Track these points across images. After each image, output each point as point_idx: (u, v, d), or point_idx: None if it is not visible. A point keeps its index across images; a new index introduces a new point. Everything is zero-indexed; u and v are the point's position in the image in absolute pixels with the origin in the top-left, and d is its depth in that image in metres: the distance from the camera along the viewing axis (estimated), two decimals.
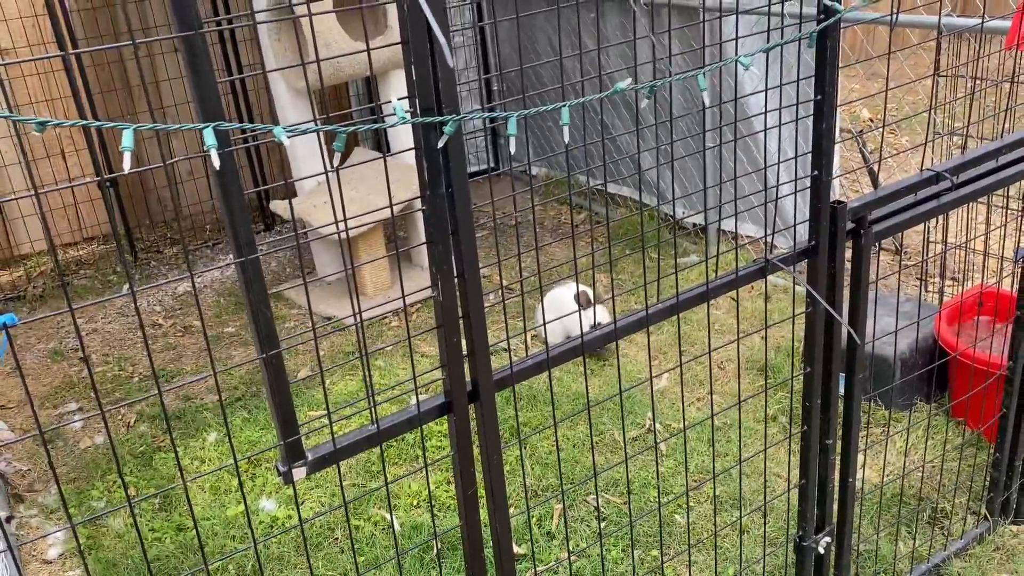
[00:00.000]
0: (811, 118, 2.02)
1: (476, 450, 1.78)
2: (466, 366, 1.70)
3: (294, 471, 1.57)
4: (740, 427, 2.64)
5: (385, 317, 5.20)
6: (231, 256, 6.24)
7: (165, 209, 6.70)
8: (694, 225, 5.54)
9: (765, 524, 2.70)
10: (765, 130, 2.50)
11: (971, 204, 4.10)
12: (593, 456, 2.06)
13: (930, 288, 4.61)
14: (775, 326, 4.58)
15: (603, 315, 4.43)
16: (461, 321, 1.66)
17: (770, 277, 5.00)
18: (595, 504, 3.52)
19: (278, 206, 5.33)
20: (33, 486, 3.96)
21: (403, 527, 3.49)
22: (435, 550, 3.33)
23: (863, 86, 8.18)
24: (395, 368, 4.59)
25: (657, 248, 4.83)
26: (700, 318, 4.59)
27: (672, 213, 4.93)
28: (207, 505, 3.70)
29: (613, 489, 3.59)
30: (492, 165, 7.04)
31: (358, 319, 1.57)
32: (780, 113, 2.07)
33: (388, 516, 3.56)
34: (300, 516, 1.57)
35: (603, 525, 3.41)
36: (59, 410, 4.55)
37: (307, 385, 4.55)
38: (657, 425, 3.91)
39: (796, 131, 2.18)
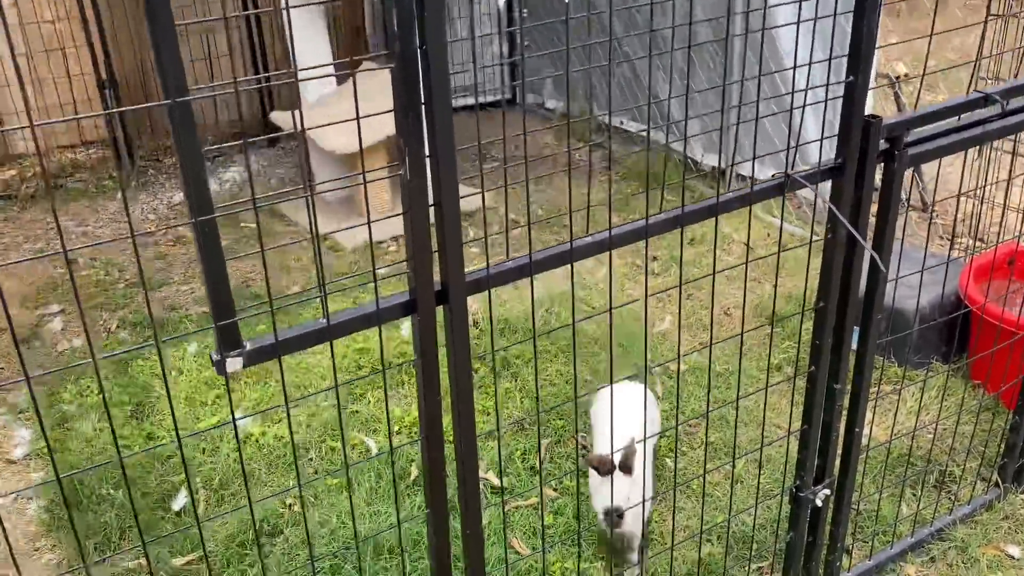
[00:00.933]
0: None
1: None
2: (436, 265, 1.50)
3: (228, 361, 1.38)
4: (740, 370, 2.44)
5: (383, 242, 5.01)
6: (232, 168, 6.03)
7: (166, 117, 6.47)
8: (713, 168, 5.29)
9: (760, 473, 2.53)
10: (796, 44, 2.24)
11: (993, 154, 3.83)
12: (575, 389, 1.87)
13: (956, 246, 4.37)
14: (787, 276, 4.37)
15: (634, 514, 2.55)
16: (431, 210, 1.46)
17: (785, 225, 4.76)
18: (584, 443, 3.35)
19: (279, 117, 5.10)
20: (3, 385, 3.81)
21: (381, 450, 3.33)
22: (411, 476, 3.17)
23: (903, 40, 7.81)
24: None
25: (663, 187, 4.59)
26: (708, 262, 4.37)
27: (685, 153, 4.68)
28: (180, 417, 3.55)
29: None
30: (508, 96, 6.78)
31: (309, 202, 1.37)
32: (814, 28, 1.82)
33: (367, 440, 3.41)
34: (233, 413, 1.38)
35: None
36: (40, 311, 4.40)
37: (301, 307, 4.36)
38: (655, 368, 3.72)
39: (832, 40, 1.93)
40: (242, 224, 5.19)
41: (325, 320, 1.46)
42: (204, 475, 3.23)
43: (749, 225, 2.12)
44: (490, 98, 6.70)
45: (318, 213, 5.58)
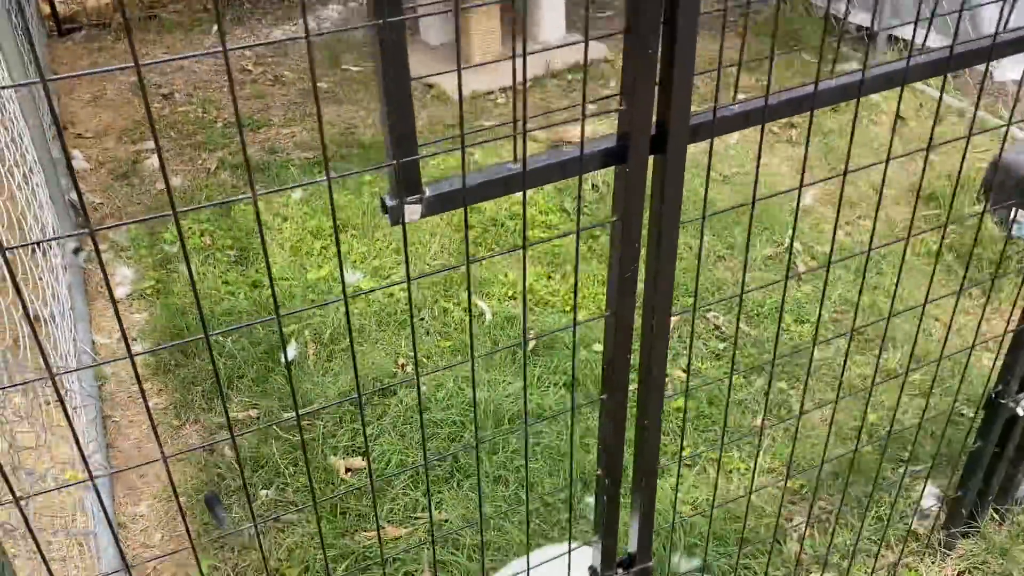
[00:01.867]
0: None
1: None
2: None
3: (406, 208, 1.12)
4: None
5: (491, 92, 4.66)
6: (331, 4, 5.68)
7: None
8: (859, 28, 4.75)
9: (937, 373, 2.23)
10: None
11: None
12: (698, 267, 1.57)
13: None
14: (943, 153, 3.92)
15: None
16: (661, 28, 1.14)
17: (946, 97, 4.26)
18: (714, 322, 3.09)
19: None
20: (104, 222, 3.68)
21: (495, 317, 3.12)
22: (530, 345, 2.96)
23: None
24: (500, 154, 4.09)
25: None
26: (854, 132, 3.95)
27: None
28: (286, 265, 3.38)
29: (737, 309, 3.13)
30: None
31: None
32: None
33: (480, 303, 3.20)
34: (408, 271, 1.13)
35: (722, 346, 2.99)
36: (137, 146, 4.23)
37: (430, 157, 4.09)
38: (797, 245, 3.39)
39: None
40: (343, 67, 4.88)
41: (518, 164, 1.18)
42: (313, 328, 3.07)
43: (899, 104, 1.74)
44: None
45: (419, 57, 5.22)
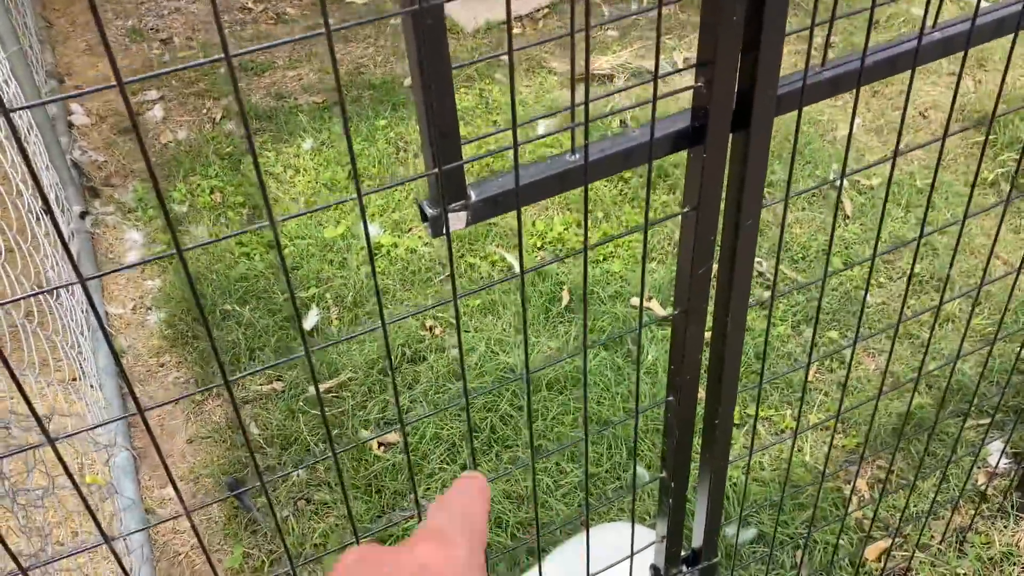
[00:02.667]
0: None
1: None
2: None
3: (451, 217, 0.95)
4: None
5: (505, 23, 4.40)
6: None
7: None
8: None
9: (973, 313, 2.06)
10: None
11: None
12: (779, 249, 1.39)
13: None
14: (995, 71, 3.66)
15: None
16: None
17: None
18: (757, 268, 2.91)
19: None
20: (110, 180, 3.51)
21: (526, 269, 2.95)
22: (563, 302, 2.81)
23: None
24: (518, 90, 3.86)
25: None
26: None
27: None
28: (302, 223, 3.21)
29: (783, 255, 2.95)
30: None
31: None
32: None
33: (508, 256, 3.03)
34: (453, 268, 0.97)
35: (767, 295, 2.82)
36: (138, 97, 4.02)
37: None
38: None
39: None
40: (348, 0, 4.62)
41: (576, 156, 1.01)
42: (335, 291, 2.92)
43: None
44: None
45: None
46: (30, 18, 4.16)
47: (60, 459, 0.91)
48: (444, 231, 0.97)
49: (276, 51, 4.31)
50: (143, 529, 1.11)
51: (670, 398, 1.32)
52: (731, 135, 1.08)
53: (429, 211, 0.97)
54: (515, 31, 4.36)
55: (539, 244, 3.08)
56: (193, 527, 0.95)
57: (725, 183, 1.11)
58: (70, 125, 3.81)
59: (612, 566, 1.52)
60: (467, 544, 0.53)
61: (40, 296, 2.32)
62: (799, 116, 1.10)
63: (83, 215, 3.28)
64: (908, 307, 2.74)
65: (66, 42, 4.42)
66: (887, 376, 2.53)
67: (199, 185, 3.42)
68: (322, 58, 4.23)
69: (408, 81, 4.03)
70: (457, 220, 0.98)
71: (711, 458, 1.43)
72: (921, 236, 1.36)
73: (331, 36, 0.74)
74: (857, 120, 3.47)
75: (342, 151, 3.54)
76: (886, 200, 1.31)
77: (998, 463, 2.24)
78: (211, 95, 3.98)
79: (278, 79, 4.10)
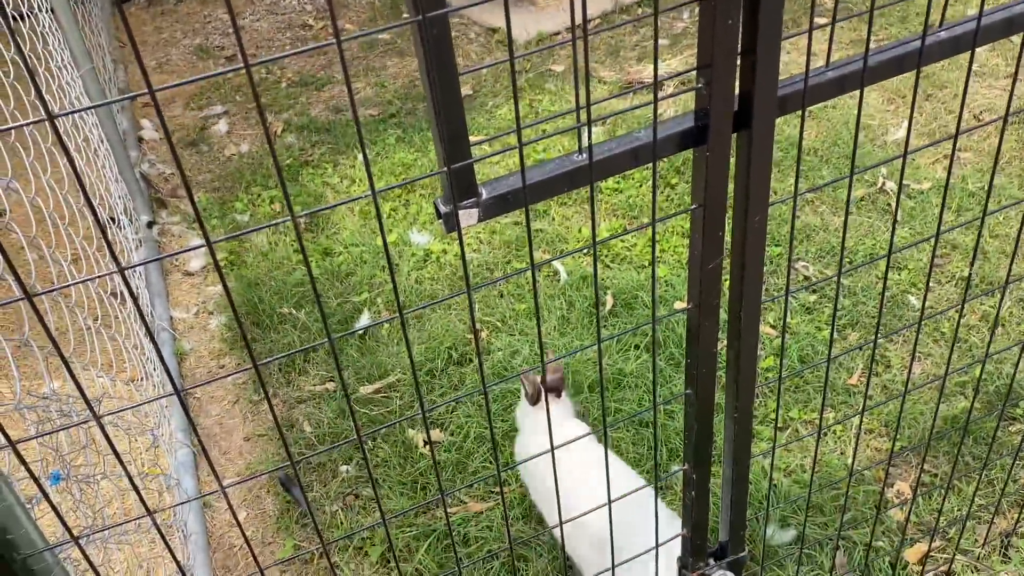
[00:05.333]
0: None
1: None
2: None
3: (461, 213, 1.02)
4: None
5: (557, 32, 4.47)
6: None
7: None
8: None
9: None
10: None
11: None
12: (788, 265, 1.42)
13: None
14: None
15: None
16: None
17: None
18: (803, 272, 2.92)
19: None
20: (176, 191, 3.68)
21: (571, 276, 3.01)
22: (607, 306, 2.85)
23: None
24: (568, 99, 3.92)
25: None
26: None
27: None
28: (356, 231, 3.32)
29: (829, 258, 2.95)
30: None
31: None
32: None
33: (554, 263, 3.09)
34: (465, 262, 1.03)
35: (813, 299, 2.82)
36: (204, 112, 4.20)
37: (469, 107, 3.98)
38: (891, 184, 3.17)
39: None
40: (405, 16, 4.74)
41: (582, 156, 1.06)
42: (385, 295, 3.02)
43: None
44: None
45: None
46: (104, 38, 4.38)
47: (108, 439, 1.00)
48: (456, 227, 1.03)
49: (335, 66, 4.45)
50: (182, 503, 1.19)
51: (688, 391, 1.37)
52: (735, 135, 1.12)
53: (442, 208, 1.04)
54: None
55: (585, 250, 3.13)
56: (231, 508, 1.03)
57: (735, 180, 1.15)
58: (140, 139, 4.00)
59: (638, 556, 1.57)
60: None
61: (107, 300, 2.46)
62: (803, 116, 1.14)
63: (150, 224, 3.44)
64: (956, 310, 2.71)
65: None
66: (911, 376, 2.51)
67: (259, 196, 3.57)
68: (378, 72, 4.36)
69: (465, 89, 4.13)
70: (468, 216, 1.04)
71: (733, 451, 1.46)
72: (938, 234, 1.37)
73: (341, 45, 0.82)
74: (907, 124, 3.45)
75: (395, 161, 3.65)
76: (893, 209, 1.33)
77: None
78: (272, 109, 4.13)
79: (336, 93, 4.23)
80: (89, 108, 0.75)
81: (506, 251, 3.13)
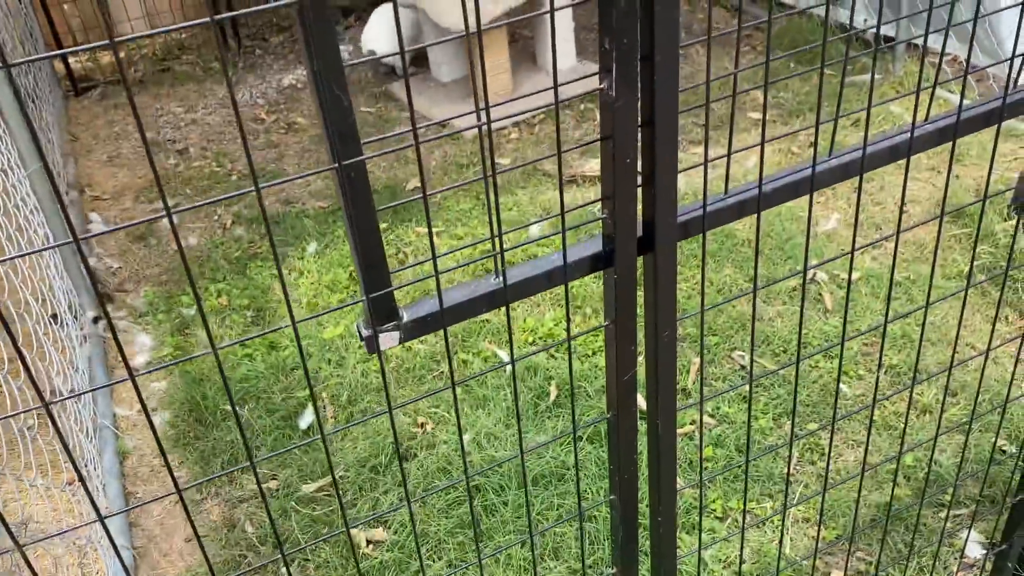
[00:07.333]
0: None
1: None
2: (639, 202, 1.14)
3: (382, 337, 1.07)
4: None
5: (504, 128, 4.62)
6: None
7: None
8: (885, 38, 4.62)
9: (946, 401, 2.13)
10: None
11: None
12: (702, 365, 1.49)
13: None
14: (971, 164, 3.80)
15: None
16: (640, 131, 1.08)
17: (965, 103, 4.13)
18: (740, 362, 3.00)
19: None
20: (123, 285, 3.69)
21: (516, 365, 3.06)
22: (551, 397, 2.90)
23: None
24: (513, 192, 4.03)
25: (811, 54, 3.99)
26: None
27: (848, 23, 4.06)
28: (302, 324, 3.34)
29: (763, 347, 3.04)
30: None
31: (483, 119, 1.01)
32: None
33: (499, 352, 3.14)
34: (385, 379, 1.08)
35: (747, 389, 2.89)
36: (154, 205, 4.24)
37: (419, 203, 4.06)
38: (822, 275, 3.29)
39: None
40: (362, 109, 4.86)
41: (498, 278, 1.13)
42: (330, 390, 3.03)
43: (916, 106, 1.65)
44: None
45: (431, 95, 5.17)
46: (56, 134, 4.42)
47: (28, 563, 1.01)
48: (376, 349, 1.08)
49: (287, 158, 4.54)
50: None
51: (612, 496, 1.41)
52: (641, 257, 1.20)
53: (364, 332, 1.09)
54: (512, 135, 4.58)
55: (530, 340, 3.19)
56: None
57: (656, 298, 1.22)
58: (87, 231, 4.02)
59: None
60: None
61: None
62: (703, 240, 1.22)
63: (96, 320, 3.44)
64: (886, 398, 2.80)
65: (88, 154, 4.68)
66: (846, 464, 2.58)
67: (207, 289, 3.59)
68: (329, 164, 4.45)
69: (409, 185, 4.22)
70: (389, 339, 1.10)
71: (659, 555, 1.50)
72: (887, 323, 1.45)
73: (260, 193, 0.87)
74: (837, 215, 3.60)
75: (345, 252, 3.71)
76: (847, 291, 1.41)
77: (971, 553, 2.27)
78: (223, 202, 4.18)
79: (287, 185, 4.30)
80: (47, 248, 0.79)
81: (453, 342, 3.18)
